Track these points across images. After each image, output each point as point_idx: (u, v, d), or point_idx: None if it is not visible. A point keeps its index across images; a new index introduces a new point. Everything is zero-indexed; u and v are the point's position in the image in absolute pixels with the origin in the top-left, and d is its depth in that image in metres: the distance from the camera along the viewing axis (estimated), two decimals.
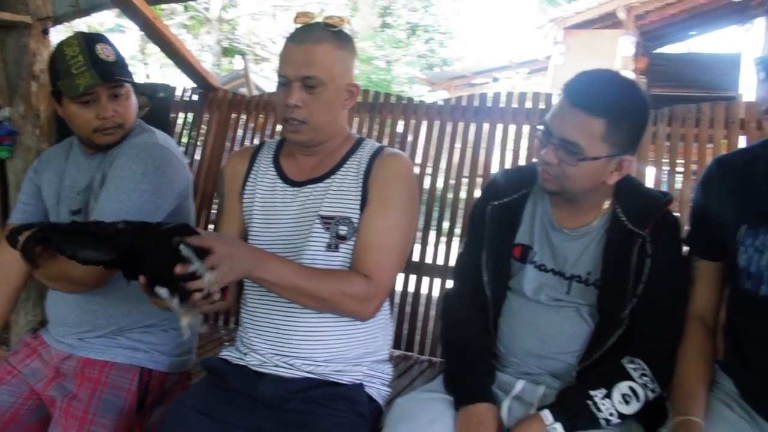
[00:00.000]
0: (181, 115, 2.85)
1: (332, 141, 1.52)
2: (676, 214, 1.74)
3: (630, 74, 8.11)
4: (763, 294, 1.27)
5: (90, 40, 1.62)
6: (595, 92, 1.33)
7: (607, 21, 8.54)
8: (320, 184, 1.50)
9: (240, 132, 2.72)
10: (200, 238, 1.14)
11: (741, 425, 1.29)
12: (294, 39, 1.45)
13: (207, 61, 14.88)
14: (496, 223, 1.52)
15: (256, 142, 2.65)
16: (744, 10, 8.51)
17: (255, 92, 4.56)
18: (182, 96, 2.82)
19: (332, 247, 1.45)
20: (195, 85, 2.84)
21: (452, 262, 2.24)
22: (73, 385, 1.59)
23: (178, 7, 14.11)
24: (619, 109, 1.32)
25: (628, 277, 1.38)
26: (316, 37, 1.43)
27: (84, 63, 1.58)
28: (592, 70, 1.40)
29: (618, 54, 8.15)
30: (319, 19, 1.48)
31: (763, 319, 1.28)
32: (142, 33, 2.53)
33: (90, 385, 1.57)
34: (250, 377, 1.47)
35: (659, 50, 10.41)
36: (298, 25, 1.48)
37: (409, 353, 2.23)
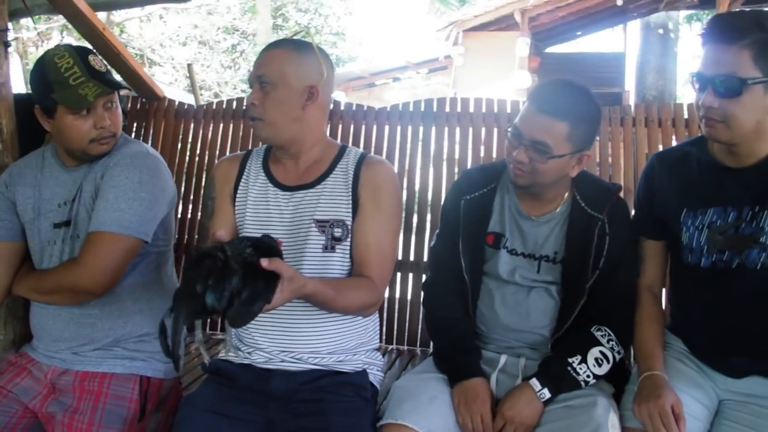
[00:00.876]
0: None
1: (310, 146, 1.62)
2: None
3: (526, 73, 8.64)
4: (704, 265, 1.52)
5: (81, 52, 1.64)
6: (557, 99, 1.54)
7: (503, 23, 9.01)
8: (311, 190, 1.60)
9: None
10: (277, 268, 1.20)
11: (694, 376, 1.54)
12: (261, 50, 1.60)
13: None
14: (470, 214, 1.70)
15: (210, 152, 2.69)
16: (624, 13, 9.29)
17: (201, 101, 4.50)
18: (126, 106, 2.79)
19: (329, 248, 1.57)
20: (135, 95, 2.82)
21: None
22: (72, 399, 1.60)
23: None
24: (579, 112, 1.54)
25: (589, 254, 1.59)
26: (275, 44, 1.59)
27: (82, 74, 1.59)
28: (552, 81, 1.61)
29: (516, 54, 8.65)
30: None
31: (705, 286, 1.53)
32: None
33: (91, 398, 1.59)
34: (258, 374, 1.55)
35: (549, 50, 11.12)
36: None
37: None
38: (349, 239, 1.58)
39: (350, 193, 1.59)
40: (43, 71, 1.62)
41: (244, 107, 2.66)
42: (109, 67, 1.68)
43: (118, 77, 2.63)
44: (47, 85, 1.60)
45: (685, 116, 2.34)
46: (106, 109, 1.64)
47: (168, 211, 1.72)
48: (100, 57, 1.66)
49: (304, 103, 1.56)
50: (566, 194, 1.66)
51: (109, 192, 1.59)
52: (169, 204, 1.71)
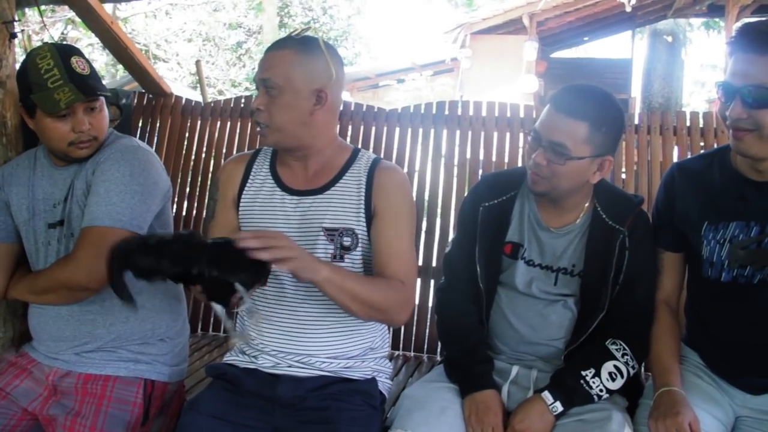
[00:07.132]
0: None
1: (319, 149, 1.56)
2: None
3: (533, 77, 8.60)
4: (724, 280, 1.48)
5: (64, 53, 1.60)
6: (577, 101, 1.51)
7: (511, 27, 8.97)
8: (320, 196, 1.55)
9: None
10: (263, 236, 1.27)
11: (710, 391, 1.51)
12: (266, 49, 1.53)
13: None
14: (488, 222, 1.66)
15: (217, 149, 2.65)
16: (632, 19, 9.27)
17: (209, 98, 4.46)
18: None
19: (337, 258, 1.51)
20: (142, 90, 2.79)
21: None
22: (74, 402, 1.57)
23: None
24: (599, 114, 1.50)
25: (609, 267, 1.55)
26: (280, 44, 1.51)
27: (60, 77, 1.57)
28: (574, 84, 1.57)
29: (523, 58, 8.62)
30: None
31: (725, 300, 1.49)
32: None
33: (94, 401, 1.56)
34: (265, 379, 1.52)
35: (555, 54, 11.10)
36: None
37: None
38: (359, 249, 1.53)
39: (362, 201, 1.54)
40: (25, 71, 1.60)
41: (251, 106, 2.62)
42: (93, 69, 1.64)
43: (131, 75, 2.60)
44: (28, 86, 1.59)
45: (701, 125, 2.30)
46: (86, 113, 1.60)
47: (163, 204, 1.69)
48: (84, 59, 1.62)
49: (312, 107, 1.50)
50: (586, 204, 1.63)
51: (100, 186, 1.56)
52: (163, 197, 1.67)
